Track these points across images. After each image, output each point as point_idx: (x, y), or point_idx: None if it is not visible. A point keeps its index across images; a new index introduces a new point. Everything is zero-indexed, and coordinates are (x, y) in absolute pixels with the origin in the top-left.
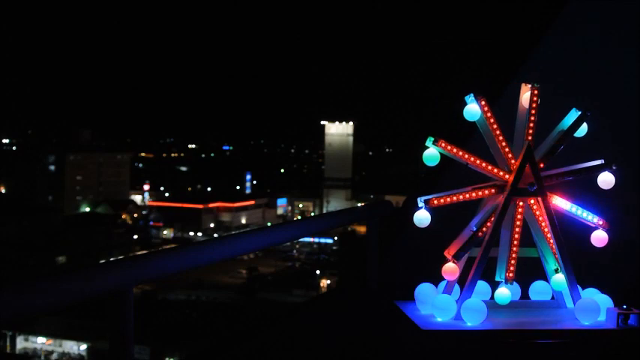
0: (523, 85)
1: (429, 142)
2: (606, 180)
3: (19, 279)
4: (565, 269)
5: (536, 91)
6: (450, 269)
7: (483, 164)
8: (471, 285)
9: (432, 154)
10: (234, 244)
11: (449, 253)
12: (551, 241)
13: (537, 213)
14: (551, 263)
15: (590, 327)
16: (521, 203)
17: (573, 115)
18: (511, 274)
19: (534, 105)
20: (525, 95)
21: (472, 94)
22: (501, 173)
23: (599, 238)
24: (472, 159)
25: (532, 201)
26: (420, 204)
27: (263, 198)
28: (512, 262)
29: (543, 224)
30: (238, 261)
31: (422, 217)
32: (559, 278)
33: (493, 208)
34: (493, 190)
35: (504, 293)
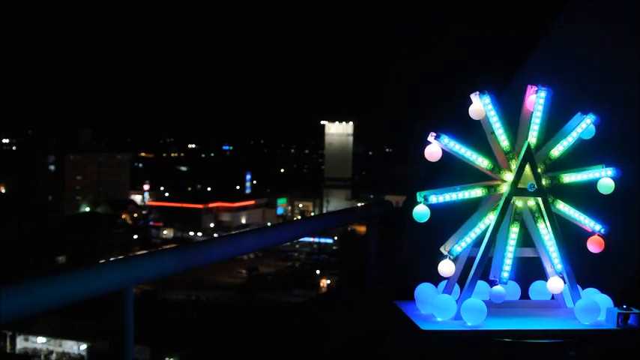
0: (529, 87)
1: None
2: (605, 185)
3: (19, 279)
4: (565, 269)
5: (542, 94)
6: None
7: (485, 162)
8: (471, 285)
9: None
10: (234, 244)
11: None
12: (549, 242)
13: (536, 214)
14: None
15: (590, 327)
16: (519, 203)
17: (578, 119)
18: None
19: (540, 108)
20: (531, 98)
21: (478, 92)
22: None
23: (596, 242)
24: (474, 156)
25: (532, 201)
26: (420, 199)
27: (263, 198)
28: (508, 261)
29: (542, 225)
30: (238, 261)
31: (421, 212)
32: (556, 282)
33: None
34: (493, 189)
35: (500, 291)
